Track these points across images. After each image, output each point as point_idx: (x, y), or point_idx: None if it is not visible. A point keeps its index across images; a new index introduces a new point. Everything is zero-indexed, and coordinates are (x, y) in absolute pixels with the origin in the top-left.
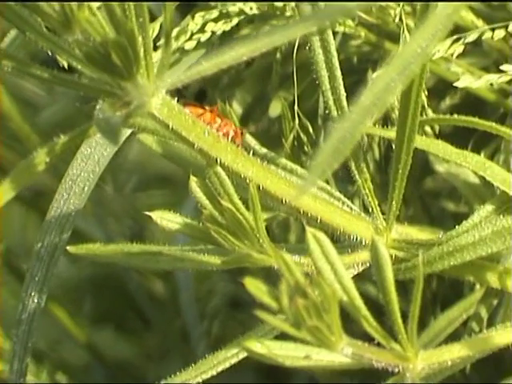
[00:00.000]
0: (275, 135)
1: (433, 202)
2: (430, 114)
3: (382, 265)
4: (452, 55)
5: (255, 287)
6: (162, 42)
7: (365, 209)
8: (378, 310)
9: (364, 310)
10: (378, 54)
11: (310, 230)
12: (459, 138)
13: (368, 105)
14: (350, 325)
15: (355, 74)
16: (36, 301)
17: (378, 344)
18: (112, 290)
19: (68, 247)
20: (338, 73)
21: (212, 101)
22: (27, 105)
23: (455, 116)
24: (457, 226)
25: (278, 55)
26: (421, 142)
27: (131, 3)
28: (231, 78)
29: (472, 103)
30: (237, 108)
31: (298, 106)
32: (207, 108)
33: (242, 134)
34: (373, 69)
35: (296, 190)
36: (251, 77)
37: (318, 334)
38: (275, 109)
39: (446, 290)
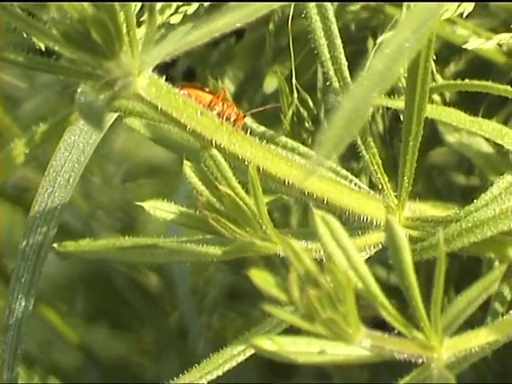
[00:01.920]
0: (271, 112)
1: (438, 175)
2: (440, 80)
3: (399, 247)
4: (461, 15)
5: (261, 279)
6: (145, 16)
7: (372, 186)
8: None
9: (381, 297)
10: (377, 20)
11: (317, 213)
12: (465, 106)
13: (381, 69)
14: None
15: (354, 44)
16: (23, 304)
17: (398, 333)
18: (104, 286)
19: (55, 245)
20: (338, 41)
21: (201, 79)
22: (7, 98)
23: (466, 81)
24: (475, 200)
25: (271, 26)
26: (431, 110)
27: None
28: (221, 54)
29: (478, 68)
30: (229, 85)
31: (295, 79)
32: (207, 89)
33: (244, 117)
34: (373, 36)
35: (302, 170)
36: (242, 52)
37: (333, 327)
38: (270, 84)
39: (459, 268)
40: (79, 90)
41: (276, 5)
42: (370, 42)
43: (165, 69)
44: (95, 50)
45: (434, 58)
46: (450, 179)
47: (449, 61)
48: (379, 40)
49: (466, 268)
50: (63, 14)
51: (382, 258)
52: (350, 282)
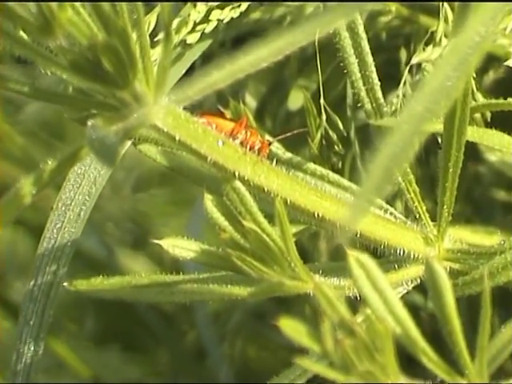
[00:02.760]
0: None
1: (477, 190)
2: (480, 98)
3: (441, 290)
4: (504, 29)
5: (292, 328)
6: (160, 36)
7: (408, 211)
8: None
9: (422, 343)
10: (409, 27)
11: (351, 254)
12: (506, 120)
13: (421, 111)
14: None
15: (384, 52)
16: (32, 349)
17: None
18: (115, 305)
19: (65, 283)
20: (370, 59)
21: (220, 94)
22: (8, 101)
23: (510, 99)
24: None
25: None
26: (472, 133)
27: None
28: None
29: None
30: (250, 101)
31: (323, 95)
32: (228, 116)
33: (269, 144)
34: (406, 46)
35: (334, 205)
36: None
37: (371, 379)
38: (295, 100)
39: (502, 298)
40: (90, 123)
41: (303, 42)
42: (403, 52)
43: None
44: (107, 79)
45: None
46: (490, 194)
47: (487, 68)
48: (414, 60)
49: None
50: (71, 41)
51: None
52: (388, 329)
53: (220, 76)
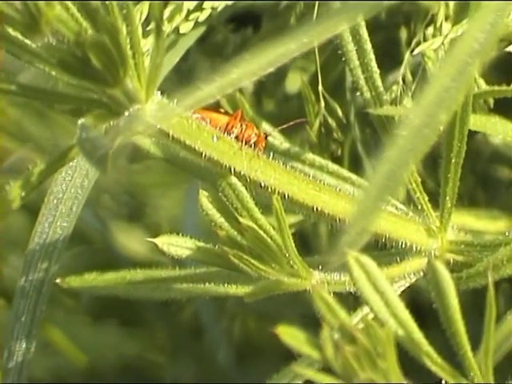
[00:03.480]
0: (295, 112)
1: (480, 166)
2: (483, 85)
3: (445, 291)
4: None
5: (291, 336)
6: (152, 25)
7: (410, 200)
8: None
9: (425, 345)
10: (409, 5)
11: (351, 254)
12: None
13: (418, 125)
14: None
15: (384, 31)
16: (24, 346)
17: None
18: None
19: (58, 280)
20: (368, 46)
21: None
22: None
23: None
24: None
25: (293, 15)
26: (475, 121)
27: None
28: (237, 47)
29: None
30: (246, 83)
31: (321, 76)
32: (222, 110)
33: (266, 137)
34: (406, 24)
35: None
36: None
37: None
38: (293, 82)
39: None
40: (80, 122)
41: (296, 52)
42: (403, 30)
43: (177, 65)
44: (96, 77)
45: None
46: (494, 171)
47: None
48: (415, 51)
49: None
50: (59, 39)
51: None
52: (390, 334)
53: (209, 91)
